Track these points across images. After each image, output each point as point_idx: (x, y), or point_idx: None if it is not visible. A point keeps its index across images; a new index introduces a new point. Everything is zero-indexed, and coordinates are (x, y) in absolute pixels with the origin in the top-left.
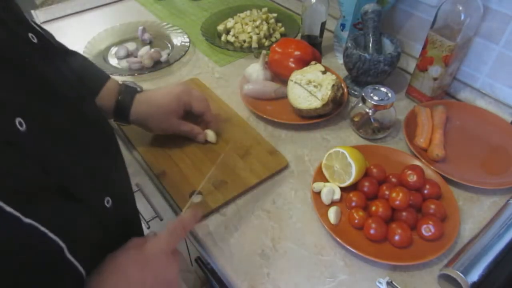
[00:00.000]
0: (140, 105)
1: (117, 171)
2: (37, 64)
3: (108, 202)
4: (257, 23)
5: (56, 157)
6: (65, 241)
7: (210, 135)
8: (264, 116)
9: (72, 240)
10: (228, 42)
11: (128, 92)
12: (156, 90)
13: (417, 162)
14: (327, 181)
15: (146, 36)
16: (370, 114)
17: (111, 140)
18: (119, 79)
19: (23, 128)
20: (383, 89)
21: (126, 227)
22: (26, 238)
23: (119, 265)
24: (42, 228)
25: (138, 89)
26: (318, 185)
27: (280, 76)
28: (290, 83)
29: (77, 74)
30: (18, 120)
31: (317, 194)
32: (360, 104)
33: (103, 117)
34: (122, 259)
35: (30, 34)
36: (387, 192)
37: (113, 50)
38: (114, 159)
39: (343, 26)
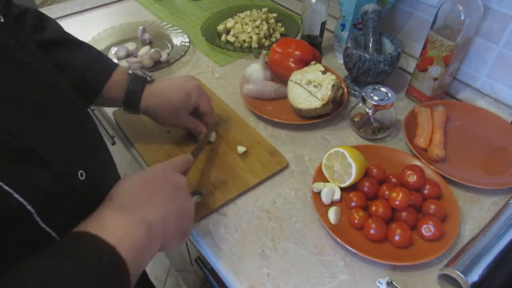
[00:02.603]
0: (150, 98)
1: (96, 150)
2: (4, 41)
3: (82, 175)
4: (257, 23)
5: (20, 122)
6: (33, 205)
7: (211, 134)
8: (264, 116)
9: (41, 205)
10: (228, 42)
11: (138, 82)
12: (168, 82)
13: (417, 162)
14: (327, 181)
15: (146, 36)
16: (370, 114)
17: (86, 119)
18: None
19: None
20: (383, 89)
21: None
22: None
23: (127, 176)
24: (6, 187)
25: (148, 78)
26: (318, 185)
27: (280, 76)
28: (290, 83)
29: (82, 62)
30: None
31: (317, 194)
32: (360, 104)
33: (76, 98)
34: (129, 174)
35: None
36: (387, 192)
37: (113, 50)
38: (91, 138)
39: (343, 26)
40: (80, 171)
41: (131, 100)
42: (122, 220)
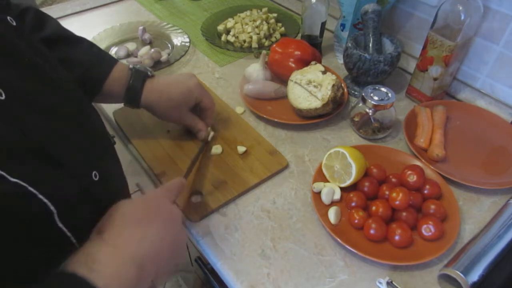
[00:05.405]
0: (151, 93)
1: (106, 151)
2: (17, 43)
3: (95, 175)
4: (257, 23)
5: (35, 123)
6: (55, 205)
7: (210, 134)
8: (264, 116)
9: (62, 206)
10: (228, 42)
11: (139, 77)
12: (169, 78)
13: (417, 162)
14: (327, 181)
15: (146, 36)
16: (370, 114)
17: (95, 119)
18: None
19: (2, 97)
20: (383, 89)
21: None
22: (15, 197)
23: (120, 204)
24: (31, 188)
25: (149, 73)
26: (318, 185)
27: (280, 76)
28: (290, 83)
29: (83, 59)
30: None
31: (317, 194)
32: (360, 104)
33: (87, 99)
34: (121, 202)
35: (9, 18)
36: (387, 192)
37: (113, 50)
38: (101, 139)
39: (343, 26)
40: (94, 172)
41: (132, 95)
42: (111, 261)
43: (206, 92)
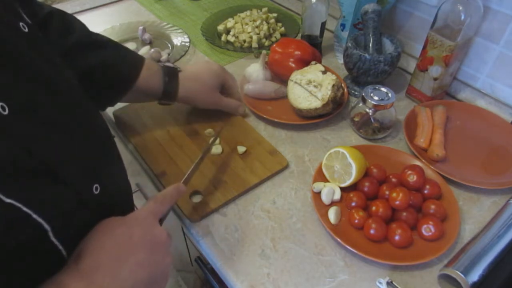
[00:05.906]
0: (186, 83)
1: (110, 162)
2: (26, 52)
3: (96, 189)
4: (257, 23)
5: (39, 139)
6: (50, 224)
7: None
8: (264, 116)
9: (57, 223)
10: (228, 42)
11: (172, 73)
12: (195, 67)
13: (417, 162)
14: (327, 181)
15: (146, 36)
16: (370, 114)
17: (105, 132)
18: None
19: (5, 112)
20: (383, 89)
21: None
22: (9, 219)
23: (105, 224)
24: (25, 209)
25: (178, 68)
26: (318, 185)
27: (280, 76)
28: (290, 83)
29: (116, 60)
30: (0, 104)
31: (317, 194)
32: (360, 104)
33: (95, 109)
34: (108, 221)
35: (21, 24)
36: (387, 192)
37: None
38: (107, 149)
39: (343, 26)
40: (95, 185)
41: (170, 90)
42: None
43: (226, 70)
